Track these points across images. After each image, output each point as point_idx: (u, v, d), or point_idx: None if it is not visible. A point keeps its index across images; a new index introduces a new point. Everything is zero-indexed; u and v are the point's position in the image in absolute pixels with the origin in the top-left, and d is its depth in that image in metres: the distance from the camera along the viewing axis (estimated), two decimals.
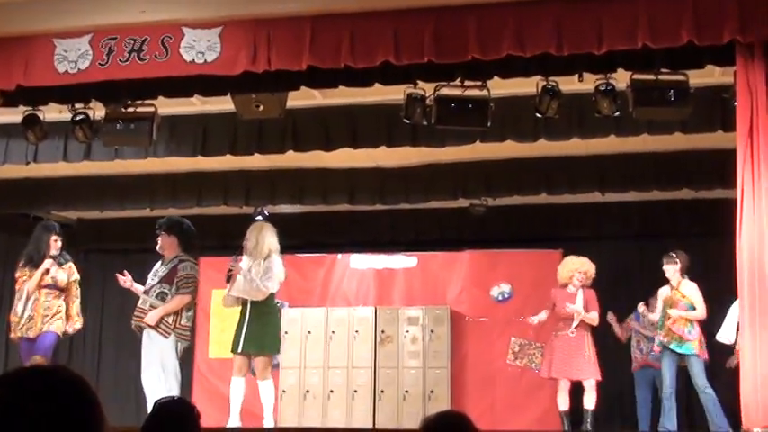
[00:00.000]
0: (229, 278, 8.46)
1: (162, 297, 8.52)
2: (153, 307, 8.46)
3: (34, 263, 8.88)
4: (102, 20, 7.07)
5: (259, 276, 8.27)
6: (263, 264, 8.32)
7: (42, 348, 8.69)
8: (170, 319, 8.47)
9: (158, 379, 8.33)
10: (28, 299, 8.78)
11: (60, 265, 9.00)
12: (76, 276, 9.11)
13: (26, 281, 8.85)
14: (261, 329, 8.31)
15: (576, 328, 9.22)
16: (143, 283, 8.74)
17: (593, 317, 9.33)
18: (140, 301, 8.61)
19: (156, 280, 8.60)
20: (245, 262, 8.41)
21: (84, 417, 1.80)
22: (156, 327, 8.41)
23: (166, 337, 8.42)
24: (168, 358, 8.43)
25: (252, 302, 8.36)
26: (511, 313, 11.72)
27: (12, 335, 8.93)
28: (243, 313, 8.41)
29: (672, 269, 8.93)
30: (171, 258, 8.71)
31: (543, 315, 9.62)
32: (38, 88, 7.34)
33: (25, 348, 8.77)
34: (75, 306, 9.05)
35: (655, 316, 9.23)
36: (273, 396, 8.40)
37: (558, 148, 9.05)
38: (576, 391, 9.25)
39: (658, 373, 9.22)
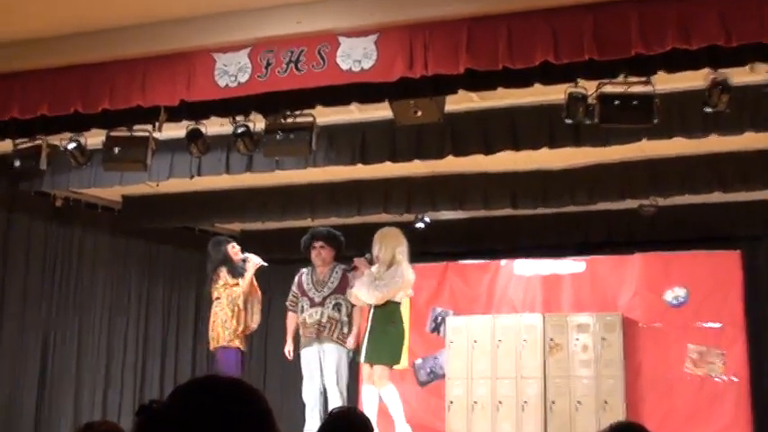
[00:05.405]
0: (352, 269, 8.73)
1: (338, 308, 8.85)
2: (332, 318, 8.80)
3: (231, 273, 9.28)
4: (260, 33, 7.28)
5: (380, 281, 8.42)
6: (390, 270, 8.46)
7: (227, 366, 9.11)
8: (346, 330, 8.82)
9: (336, 390, 8.68)
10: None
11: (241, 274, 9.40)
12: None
13: (230, 289, 9.22)
14: (381, 339, 8.42)
15: None
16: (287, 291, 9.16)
17: None
18: (312, 313, 8.89)
19: (328, 291, 8.91)
20: (374, 268, 8.58)
21: (265, 423, 1.99)
22: (336, 338, 8.76)
23: (343, 346, 8.78)
24: (343, 368, 8.79)
25: (374, 310, 8.50)
26: (687, 318, 11.55)
27: (230, 343, 9.22)
28: (368, 320, 8.59)
29: None
30: (333, 268, 9.02)
31: None
32: (200, 103, 7.58)
33: (238, 359, 9.22)
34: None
35: None
36: (399, 401, 8.48)
37: (730, 143, 8.90)
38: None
39: None
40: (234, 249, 9.45)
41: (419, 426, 8.95)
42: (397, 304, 8.61)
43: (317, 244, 9.12)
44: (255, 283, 9.53)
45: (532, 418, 11.57)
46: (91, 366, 11.85)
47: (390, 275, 8.42)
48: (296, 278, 9.31)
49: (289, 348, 9.14)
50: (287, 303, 9.31)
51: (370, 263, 8.63)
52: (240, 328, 9.22)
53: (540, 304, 12.28)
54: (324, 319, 8.82)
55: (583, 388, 11.51)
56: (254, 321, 9.48)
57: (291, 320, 9.21)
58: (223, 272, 9.34)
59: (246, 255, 9.50)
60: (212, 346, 9.38)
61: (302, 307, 9.03)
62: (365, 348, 8.46)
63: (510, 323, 12.04)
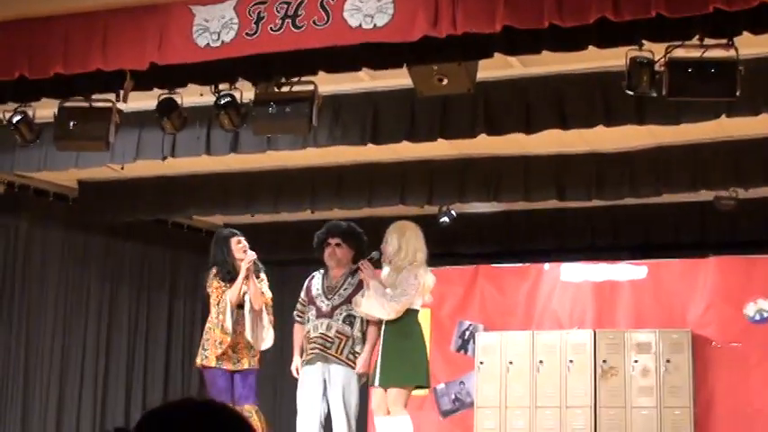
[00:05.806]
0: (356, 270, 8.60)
1: (349, 321, 8.67)
2: (340, 334, 8.65)
3: (230, 277, 9.09)
4: None
5: (393, 290, 8.24)
6: (403, 274, 8.28)
7: (251, 390, 9.06)
8: (358, 348, 8.67)
9: (342, 423, 8.54)
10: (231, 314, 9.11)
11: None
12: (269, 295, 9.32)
13: (216, 292, 9.07)
14: (397, 355, 8.25)
15: None
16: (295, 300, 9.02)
17: None
18: (318, 325, 8.75)
19: (339, 300, 8.75)
20: (384, 271, 8.44)
21: None
22: (345, 358, 8.61)
23: (353, 369, 8.60)
24: (353, 395, 8.64)
25: (386, 323, 8.34)
26: None
27: (204, 361, 9.07)
28: (380, 335, 8.43)
29: None
30: (348, 273, 8.91)
31: None
32: (175, 67, 7.54)
33: (223, 382, 9.04)
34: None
35: None
36: None
37: None
38: None
39: None
40: (240, 245, 9.26)
41: None
42: (414, 312, 8.45)
43: (333, 241, 8.89)
44: (261, 286, 9.20)
45: None
46: (41, 390, 11.80)
47: (404, 279, 8.25)
48: (306, 282, 9.11)
49: (296, 365, 9.03)
50: (294, 313, 9.11)
51: (377, 264, 8.51)
52: (228, 340, 9.04)
53: (591, 318, 12.29)
54: (331, 333, 8.67)
55: (642, 421, 11.52)
56: (261, 340, 9.17)
57: (298, 333, 9.04)
58: (211, 274, 9.18)
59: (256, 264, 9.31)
60: (197, 362, 9.23)
61: (308, 317, 8.89)
62: (379, 369, 8.30)
63: (553, 341, 12.05)
